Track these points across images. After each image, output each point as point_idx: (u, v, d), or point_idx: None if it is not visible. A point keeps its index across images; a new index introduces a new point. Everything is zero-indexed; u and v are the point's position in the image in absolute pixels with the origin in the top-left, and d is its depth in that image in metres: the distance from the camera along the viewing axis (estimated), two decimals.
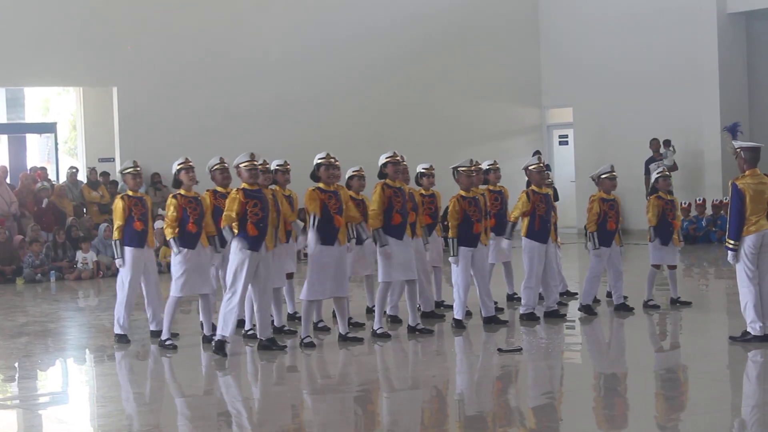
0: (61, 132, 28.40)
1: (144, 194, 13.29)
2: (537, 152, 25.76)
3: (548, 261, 13.91)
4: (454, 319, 13.40)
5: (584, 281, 14.26)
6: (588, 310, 14.07)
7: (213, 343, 11.96)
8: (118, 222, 12.93)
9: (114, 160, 24.26)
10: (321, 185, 12.22)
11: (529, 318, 13.71)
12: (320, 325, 13.33)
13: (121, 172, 13.30)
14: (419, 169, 14.23)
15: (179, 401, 10.33)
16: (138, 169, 13.17)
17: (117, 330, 13.10)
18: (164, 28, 24.22)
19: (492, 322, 13.39)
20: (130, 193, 13.05)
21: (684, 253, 21.48)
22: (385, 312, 13.49)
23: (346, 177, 13.55)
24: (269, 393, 10.59)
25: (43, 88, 27.61)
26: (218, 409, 9.90)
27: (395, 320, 13.80)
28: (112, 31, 23.72)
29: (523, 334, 12.99)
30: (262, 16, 25.29)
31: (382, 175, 12.93)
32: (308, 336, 12.29)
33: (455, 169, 13.37)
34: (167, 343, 12.54)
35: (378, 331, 12.79)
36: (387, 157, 12.89)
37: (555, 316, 13.76)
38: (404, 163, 13.32)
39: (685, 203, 24.06)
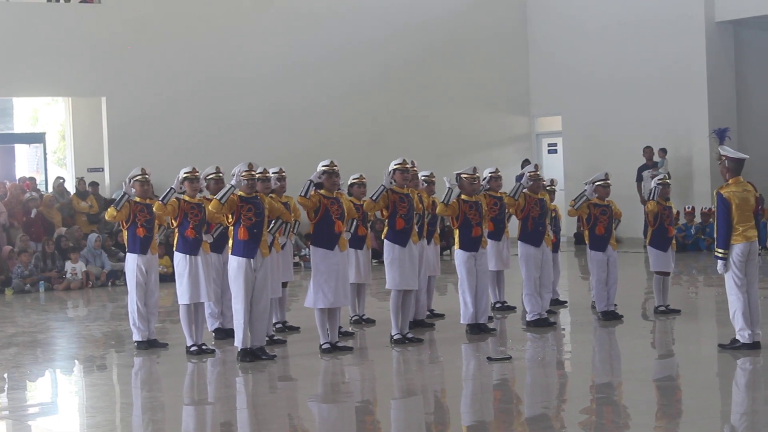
0: (50, 142, 28.35)
1: (153, 201, 13.29)
2: (527, 161, 25.83)
3: (544, 268, 13.97)
4: (468, 325, 13.41)
5: (593, 290, 14.31)
6: (608, 316, 14.13)
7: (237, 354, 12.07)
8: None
9: (103, 170, 24.24)
10: (323, 192, 12.31)
11: (538, 324, 13.75)
12: (341, 330, 13.37)
13: (129, 179, 13.30)
14: (420, 176, 14.26)
15: (170, 411, 10.31)
16: (147, 176, 13.17)
17: (136, 336, 13.11)
18: (154, 39, 24.21)
19: (480, 330, 13.41)
20: (138, 199, 13.07)
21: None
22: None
23: (348, 184, 13.65)
24: (263, 403, 10.57)
25: (32, 98, 27.56)
26: (212, 418, 9.89)
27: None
28: (101, 41, 23.72)
29: (510, 342, 13.01)
30: (254, 25, 25.30)
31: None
32: (326, 342, 12.36)
33: (458, 175, 13.46)
34: (192, 349, 12.57)
35: (395, 337, 12.84)
36: (396, 164, 12.94)
37: (544, 324, 13.79)
38: (414, 169, 13.39)
39: (674, 211, 24.09)
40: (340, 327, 13.03)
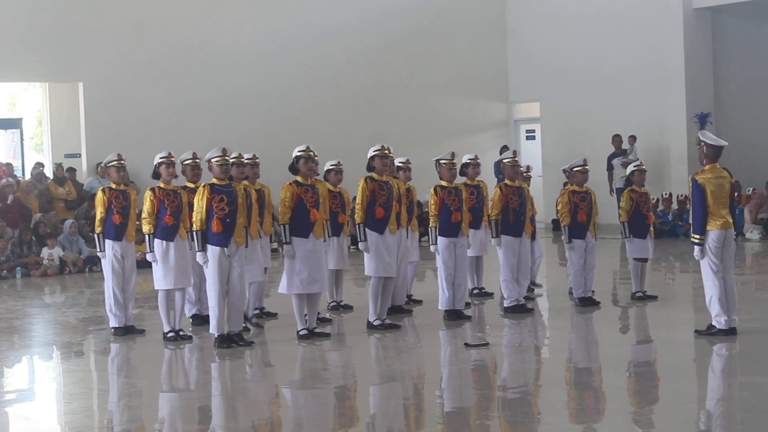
0: (28, 128, 28.22)
1: (129, 187, 13.23)
2: (505, 147, 25.83)
3: (522, 255, 13.97)
4: (445, 311, 13.41)
5: (570, 276, 14.34)
6: (585, 302, 14.15)
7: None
8: (99, 214, 12.93)
9: (80, 155, 24.15)
10: (299, 178, 12.25)
11: (515, 310, 13.75)
12: (319, 316, 13.38)
13: (105, 164, 13.27)
14: (396, 162, 14.24)
15: (147, 397, 10.29)
16: (122, 162, 13.11)
17: (112, 323, 13.06)
18: (130, 23, 24.10)
19: (457, 316, 13.42)
20: (113, 185, 13.02)
21: None
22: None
23: (324, 170, 13.64)
24: (241, 389, 10.56)
25: (9, 83, 27.41)
26: (189, 404, 9.88)
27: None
28: (77, 26, 23.61)
29: (488, 328, 13.04)
30: (232, 8, 25.24)
31: (370, 168, 12.93)
32: (304, 329, 12.34)
33: (437, 161, 13.44)
34: (169, 335, 12.52)
35: (374, 323, 12.83)
36: (375, 151, 12.90)
37: (522, 310, 13.79)
38: (391, 155, 13.39)
39: (654, 199, 24.21)
40: (318, 313, 13.06)
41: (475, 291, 15.35)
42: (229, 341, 11.88)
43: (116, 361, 12.12)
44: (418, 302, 14.78)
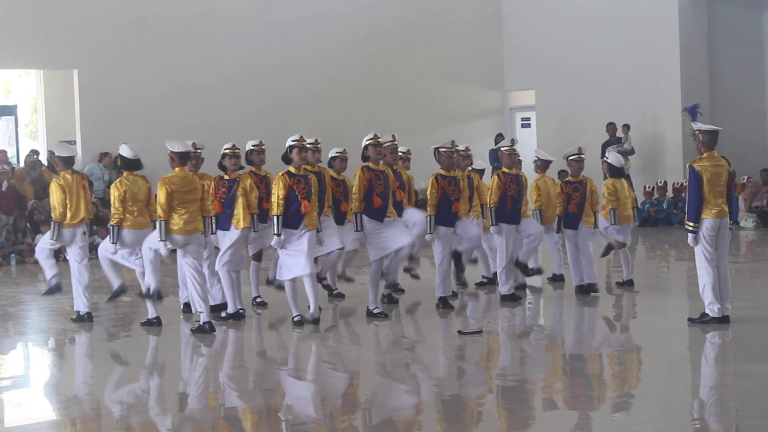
0: (22, 115, 28.21)
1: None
2: (500, 135, 25.86)
3: (517, 243, 13.96)
4: (439, 298, 13.38)
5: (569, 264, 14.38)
6: (584, 290, 14.13)
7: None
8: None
9: (75, 143, 24.13)
10: (291, 168, 12.24)
11: (509, 298, 13.74)
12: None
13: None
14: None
15: (141, 383, 10.30)
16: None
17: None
18: (125, 10, 24.05)
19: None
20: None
21: (645, 235, 21.62)
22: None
23: (329, 157, 13.62)
24: (235, 376, 10.57)
25: (4, 70, 27.39)
26: (182, 389, 9.89)
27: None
28: (71, 13, 23.54)
29: (481, 315, 13.05)
30: None
31: (364, 158, 12.91)
32: (298, 315, 12.35)
33: (437, 149, 13.40)
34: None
35: (374, 311, 12.83)
36: (368, 140, 12.87)
37: (512, 299, 13.77)
38: (395, 142, 13.31)
39: (650, 187, 24.28)
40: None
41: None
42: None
43: (110, 348, 12.12)
44: (401, 291, 14.62)
